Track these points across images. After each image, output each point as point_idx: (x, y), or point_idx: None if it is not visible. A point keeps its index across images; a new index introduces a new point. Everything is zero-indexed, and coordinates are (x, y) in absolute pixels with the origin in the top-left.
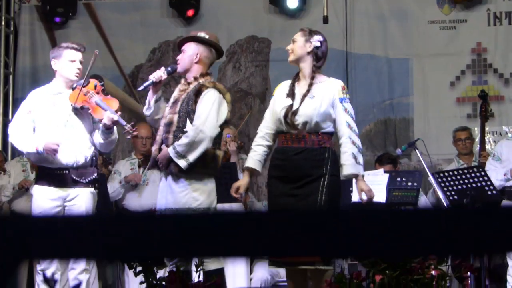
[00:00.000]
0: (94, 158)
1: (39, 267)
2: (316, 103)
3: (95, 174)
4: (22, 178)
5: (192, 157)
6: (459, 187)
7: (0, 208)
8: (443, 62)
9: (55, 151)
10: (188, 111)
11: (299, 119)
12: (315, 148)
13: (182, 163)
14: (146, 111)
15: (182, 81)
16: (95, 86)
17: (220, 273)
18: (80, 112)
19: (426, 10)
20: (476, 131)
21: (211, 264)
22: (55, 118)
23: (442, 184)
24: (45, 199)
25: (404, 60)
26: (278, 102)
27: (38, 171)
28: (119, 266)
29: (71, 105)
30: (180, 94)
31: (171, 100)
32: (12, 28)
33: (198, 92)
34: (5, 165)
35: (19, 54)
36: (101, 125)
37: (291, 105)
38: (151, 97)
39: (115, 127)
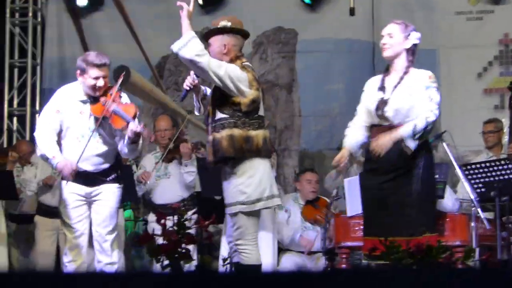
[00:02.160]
0: (115, 159)
1: (65, 259)
2: (406, 94)
3: (119, 171)
4: (49, 171)
5: None
6: (486, 179)
7: (22, 202)
8: (470, 53)
9: (69, 176)
10: (214, 100)
11: (390, 111)
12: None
13: None
14: (197, 112)
15: None
16: (110, 94)
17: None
18: (103, 122)
19: (453, 1)
20: (504, 122)
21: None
22: (81, 127)
23: (469, 177)
24: (71, 194)
25: (431, 51)
26: (369, 96)
27: None
28: (146, 260)
29: (95, 117)
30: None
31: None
32: (39, 19)
33: None
34: (32, 157)
35: (46, 45)
36: (126, 138)
37: (382, 98)
38: (196, 99)
39: (140, 141)
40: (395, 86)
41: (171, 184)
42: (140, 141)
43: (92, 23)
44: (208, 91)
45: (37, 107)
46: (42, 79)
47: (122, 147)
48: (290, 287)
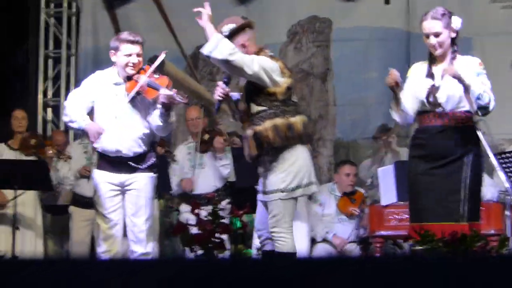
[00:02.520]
0: (151, 145)
1: (100, 249)
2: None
3: (153, 159)
4: (83, 162)
5: None
6: None
7: (58, 195)
8: (504, 41)
9: (97, 135)
10: (249, 94)
11: (443, 97)
12: (458, 126)
13: None
14: (234, 119)
15: None
16: (143, 69)
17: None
18: (137, 101)
19: None
20: None
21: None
22: (114, 108)
23: (504, 165)
24: (105, 184)
25: (465, 39)
26: (417, 83)
27: (98, 156)
28: (180, 249)
29: (127, 95)
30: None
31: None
32: (74, 10)
33: None
34: (67, 148)
35: (81, 36)
36: (158, 106)
37: (433, 85)
38: (229, 108)
39: (173, 113)
40: (444, 74)
41: (205, 174)
42: (173, 114)
43: (126, 13)
44: (237, 96)
45: None
46: (76, 69)
47: (156, 119)
48: (326, 273)
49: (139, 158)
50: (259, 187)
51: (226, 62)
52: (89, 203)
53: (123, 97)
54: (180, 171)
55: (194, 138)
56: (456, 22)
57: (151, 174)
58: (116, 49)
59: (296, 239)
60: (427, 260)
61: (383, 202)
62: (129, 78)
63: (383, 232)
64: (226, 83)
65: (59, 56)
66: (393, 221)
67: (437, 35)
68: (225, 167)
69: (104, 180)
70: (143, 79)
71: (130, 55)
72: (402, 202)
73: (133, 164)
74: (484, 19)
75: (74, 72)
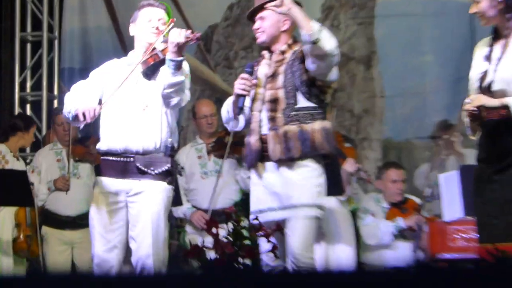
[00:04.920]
0: (168, 144)
1: None
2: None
3: (169, 165)
4: (56, 172)
5: None
6: None
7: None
8: None
9: (91, 111)
10: (297, 84)
11: (497, 85)
12: None
13: None
14: (234, 127)
15: (266, 53)
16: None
17: None
18: (154, 76)
19: None
20: None
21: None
22: (123, 91)
23: None
24: (105, 195)
25: None
26: (475, 66)
27: (99, 159)
28: None
29: (141, 72)
30: (276, 66)
31: (263, 75)
32: None
33: (303, 58)
34: (36, 158)
35: (65, 14)
36: (167, 56)
37: (487, 70)
38: (238, 105)
39: (185, 68)
40: (500, 57)
41: (223, 184)
42: (185, 69)
43: None
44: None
45: (55, 92)
46: (60, 56)
47: (164, 74)
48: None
49: (149, 160)
50: (266, 203)
51: (328, 56)
52: (67, 222)
53: (136, 78)
54: (189, 179)
55: (205, 139)
56: None
57: (165, 185)
58: (134, 19)
59: (341, 252)
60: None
61: (447, 217)
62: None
63: (447, 255)
64: (251, 73)
65: (40, 39)
66: (459, 241)
67: (475, 1)
68: None
69: (103, 190)
70: (156, 40)
71: (150, 20)
72: (470, 217)
73: (141, 166)
74: None
75: (57, 59)
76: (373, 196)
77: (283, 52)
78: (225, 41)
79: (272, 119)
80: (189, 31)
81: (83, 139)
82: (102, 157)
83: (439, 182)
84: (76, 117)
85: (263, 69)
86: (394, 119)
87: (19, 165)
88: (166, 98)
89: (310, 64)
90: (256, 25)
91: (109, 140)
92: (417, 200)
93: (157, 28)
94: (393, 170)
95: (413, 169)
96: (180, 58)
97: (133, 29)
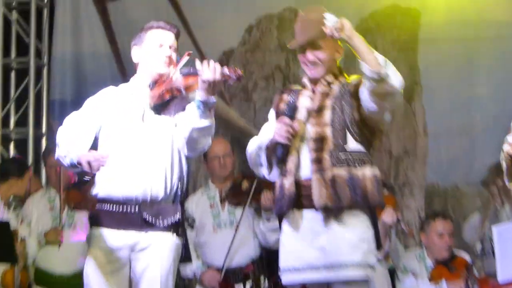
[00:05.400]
0: (179, 190)
1: None
2: None
3: (179, 215)
4: (49, 222)
5: None
6: None
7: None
8: None
9: (97, 161)
10: (347, 122)
11: None
12: None
13: None
14: (267, 173)
15: (307, 83)
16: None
17: None
18: (167, 111)
19: None
20: None
21: None
22: (131, 130)
23: None
24: (103, 253)
25: None
26: None
27: (95, 207)
28: None
29: (150, 106)
30: (322, 99)
31: (303, 109)
32: (46, 1)
33: (357, 92)
34: (26, 206)
35: (56, 37)
36: (197, 97)
37: None
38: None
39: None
40: None
41: (239, 238)
42: (213, 112)
43: (123, 5)
44: None
45: (44, 129)
46: (50, 86)
47: (189, 120)
48: None
49: (158, 210)
50: (304, 259)
51: (394, 95)
52: (60, 282)
53: (143, 112)
54: (200, 232)
55: (218, 184)
56: None
57: (175, 239)
58: (140, 41)
59: None
60: None
61: (502, 277)
62: (154, 84)
63: None
64: (292, 116)
65: (26, 66)
66: None
67: None
68: (274, 231)
69: (104, 243)
70: (174, 72)
71: (161, 45)
72: None
73: (148, 217)
74: None
75: (46, 89)
76: (415, 252)
77: (329, 84)
78: (243, 69)
79: (317, 161)
80: (227, 68)
81: (80, 183)
82: (99, 204)
83: (493, 236)
84: (76, 165)
85: (304, 101)
86: (440, 161)
87: (12, 217)
88: (191, 143)
89: (370, 103)
90: (310, 57)
91: (109, 185)
92: (466, 257)
93: (169, 57)
94: (439, 222)
95: (462, 221)
96: (213, 100)
97: (137, 54)
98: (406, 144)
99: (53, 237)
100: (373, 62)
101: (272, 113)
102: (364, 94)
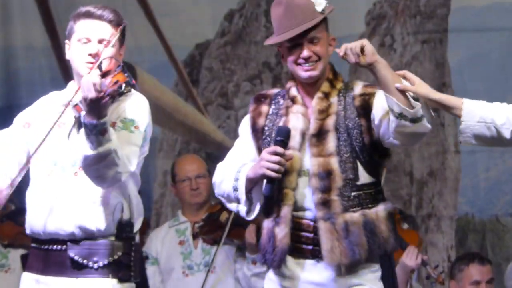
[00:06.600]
0: (118, 221)
1: None
2: None
3: (120, 252)
4: None
5: None
6: None
7: None
8: None
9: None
10: (355, 148)
11: None
12: None
13: None
14: (252, 215)
15: (296, 94)
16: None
17: None
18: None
19: None
20: None
21: None
22: (51, 148)
23: None
24: None
25: None
26: None
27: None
28: None
29: (75, 116)
30: (319, 119)
31: (297, 133)
32: None
33: (366, 110)
34: None
35: None
36: (82, 119)
37: None
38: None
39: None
40: None
41: (215, 283)
42: (112, 132)
43: None
44: None
45: None
46: None
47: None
48: None
49: (89, 249)
50: None
51: (424, 135)
52: None
53: (70, 128)
54: (166, 276)
55: (190, 215)
56: None
57: (114, 284)
58: (70, 33)
59: None
60: None
61: None
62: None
63: None
64: (285, 144)
65: None
66: None
67: None
68: (260, 276)
69: None
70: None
71: (88, 40)
72: None
73: (77, 258)
74: None
75: None
76: None
77: (326, 95)
78: (221, 67)
79: (324, 204)
80: (108, 79)
81: (15, 213)
82: (31, 242)
83: None
84: None
85: (295, 120)
86: (476, 187)
87: None
88: (91, 177)
89: (391, 139)
90: (305, 52)
91: (31, 219)
92: None
93: (95, 55)
94: (475, 266)
95: (504, 263)
96: (98, 121)
97: (68, 51)
98: (433, 165)
99: None
100: (406, 101)
101: (246, 127)
102: (384, 128)
